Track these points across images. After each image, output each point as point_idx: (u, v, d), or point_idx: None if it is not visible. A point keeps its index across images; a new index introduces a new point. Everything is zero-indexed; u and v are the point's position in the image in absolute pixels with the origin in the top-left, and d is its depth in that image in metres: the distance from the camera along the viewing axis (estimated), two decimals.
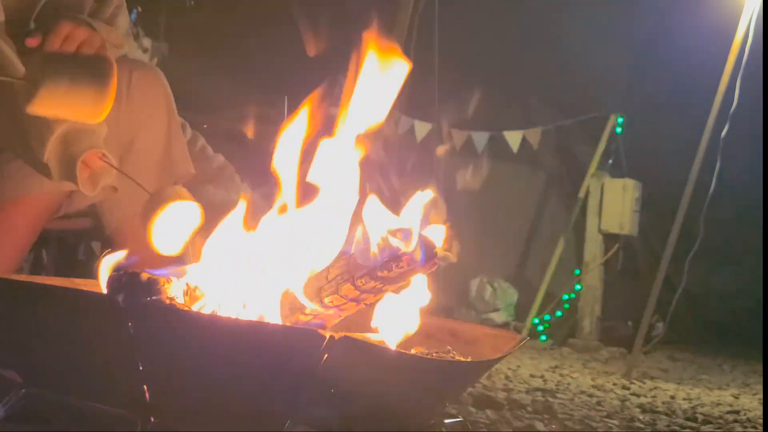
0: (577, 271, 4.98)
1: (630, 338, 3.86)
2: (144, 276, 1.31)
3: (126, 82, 1.83)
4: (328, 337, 1.12)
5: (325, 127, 1.50)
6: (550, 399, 2.37)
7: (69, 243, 2.36)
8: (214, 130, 2.25)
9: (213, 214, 1.52)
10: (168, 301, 1.29)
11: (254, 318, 1.41)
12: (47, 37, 1.67)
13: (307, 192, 1.46)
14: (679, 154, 3.66)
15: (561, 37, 5.07)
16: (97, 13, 1.90)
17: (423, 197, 1.38)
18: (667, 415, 2.37)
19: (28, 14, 1.79)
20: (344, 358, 1.14)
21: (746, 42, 3.22)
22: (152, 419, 1.20)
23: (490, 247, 5.68)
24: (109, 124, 1.78)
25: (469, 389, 2.16)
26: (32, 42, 1.67)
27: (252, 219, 1.51)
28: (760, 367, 4.02)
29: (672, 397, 2.81)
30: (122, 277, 1.31)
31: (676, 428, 2.16)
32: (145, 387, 1.19)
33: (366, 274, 1.32)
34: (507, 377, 2.82)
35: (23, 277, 1.52)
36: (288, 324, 1.38)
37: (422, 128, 5.12)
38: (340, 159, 1.43)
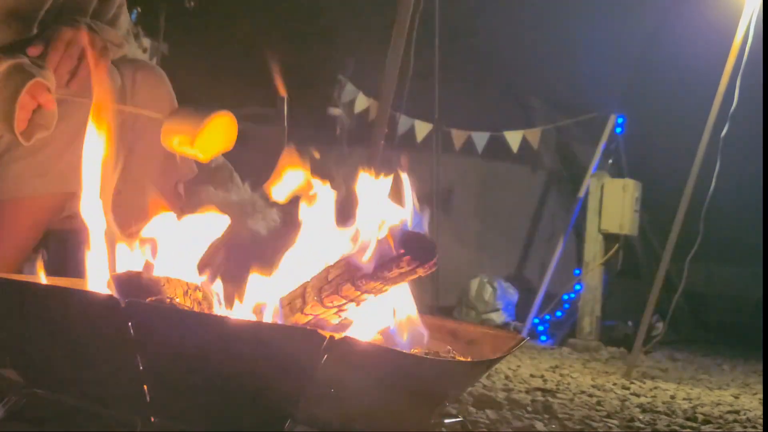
0: (577, 271, 4.98)
1: (630, 338, 3.87)
2: (144, 276, 1.31)
3: (130, 82, 1.84)
4: (328, 337, 1.12)
5: (324, 126, 1.51)
6: (550, 399, 2.37)
7: (70, 243, 2.36)
8: None
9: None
10: (168, 301, 1.29)
11: (254, 318, 1.41)
12: (50, 44, 1.67)
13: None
14: (679, 154, 3.66)
15: (561, 37, 5.07)
16: (99, 14, 1.90)
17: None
18: (667, 415, 2.37)
19: (33, 16, 1.79)
20: (344, 358, 1.14)
21: (746, 42, 3.23)
22: (152, 419, 1.21)
23: (490, 247, 5.69)
24: (114, 124, 1.79)
25: (469, 389, 2.16)
26: (35, 51, 1.67)
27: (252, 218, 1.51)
28: (760, 367, 4.03)
29: (672, 397, 2.81)
30: (123, 278, 1.31)
31: (676, 428, 2.16)
32: (145, 387, 1.19)
33: (366, 274, 1.32)
34: (507, 377, 2.82)
35: (24, 277, 1.52)
36: (288, 324, 1.38)
37: (422, 128, 5.12)
38: None
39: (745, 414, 2.53)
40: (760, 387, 3.38)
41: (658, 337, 4.02)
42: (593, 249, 4.80)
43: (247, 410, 1.20)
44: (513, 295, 5.09)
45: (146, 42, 4.58)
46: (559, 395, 2.52)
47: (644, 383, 3.14)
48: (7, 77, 1.55)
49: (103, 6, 1.92)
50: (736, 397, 2.99)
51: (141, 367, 1.18)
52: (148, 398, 1.20)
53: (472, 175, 5.64)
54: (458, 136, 5.24)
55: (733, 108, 3.32)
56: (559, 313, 4.94)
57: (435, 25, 4.52)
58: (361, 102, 5.13)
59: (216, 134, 1.57)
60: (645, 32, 5.04)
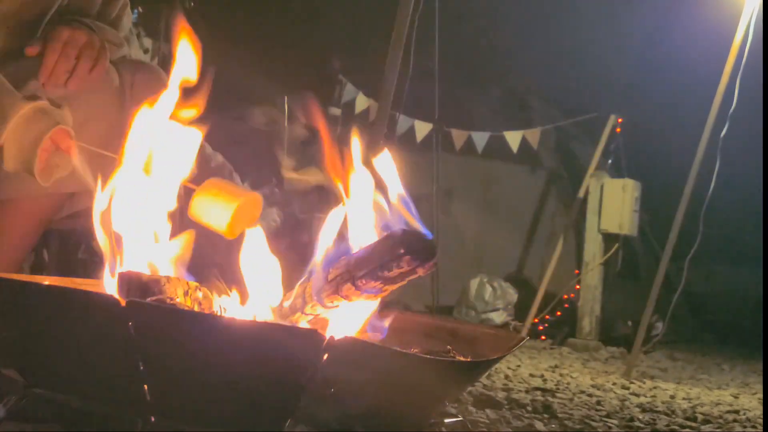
0: (577, 271, 4.98)
1: (629, 338, 3.87)
2: (144, 276, 1.31)
3: (129, 82, 1.84)
4: (328, 337, 1.13)
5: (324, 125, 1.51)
6: (550, 399, 2.37)
7: (70, 243, 2.36)
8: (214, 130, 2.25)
9: None
10: (168, 301, 1.29)
11: (254, 318, 1.41)
12: (47, 44, 1.67)
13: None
14: (679, 154, 3.66)
15: (561, 37, 5.08)
16: (103, 15, 1.90)
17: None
18: (666, 414, 2.37)
19: (39, 20, 1.79)
20: (344, 358, 1.15)
21: (746, 42, 3.23)
22: (152, 419, 1.21)
23: (490, 247, 5.70)
24: (111, 123, 1.79)
25: (469, 389, 2.17)
26: (32, 51, 1.67)
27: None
28: (759, 367, 4.03)
29: (671, 397, 2.81)
30: (123, 277, 1.31)
31: (676, 428, 2.16)
32: (145, 387, 1.19)
33: (366, 274, 1.32)
34: (507, 377, 2.82)
35: (24, 277, 1.52)
36: (288, 324, 1.38)
37: (422, 128, 5.12)
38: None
39: (744, 414, 2.53)
40: (759, 387, 3.38)
41: (658, 337, 4.03)
42: (593, 249, 4.80)
43: (247, 410, 1.20)
44: (513, 295, 5.09)
45: (147, 42, 4.58)
46: (558, 395, 2.52)
47: (644, 383, 3.14)
48: (30, 121, 1.55)
49: (106, 7, 1.92)
50: (736, 397, 2.99)
51: (141, 367, 1.18)
52: (148, 398, 1.20)
53: (472, 175, 5.65)
54: (458, 136, 5.25)
55: (732, 108, 3.32)
56: (559, 314, 4.94)
57: (435, 25, 4.52)
58: (361, 102, 5.14)
59: (243, 214, 1.55)
60: (645, 32, 5.04)
